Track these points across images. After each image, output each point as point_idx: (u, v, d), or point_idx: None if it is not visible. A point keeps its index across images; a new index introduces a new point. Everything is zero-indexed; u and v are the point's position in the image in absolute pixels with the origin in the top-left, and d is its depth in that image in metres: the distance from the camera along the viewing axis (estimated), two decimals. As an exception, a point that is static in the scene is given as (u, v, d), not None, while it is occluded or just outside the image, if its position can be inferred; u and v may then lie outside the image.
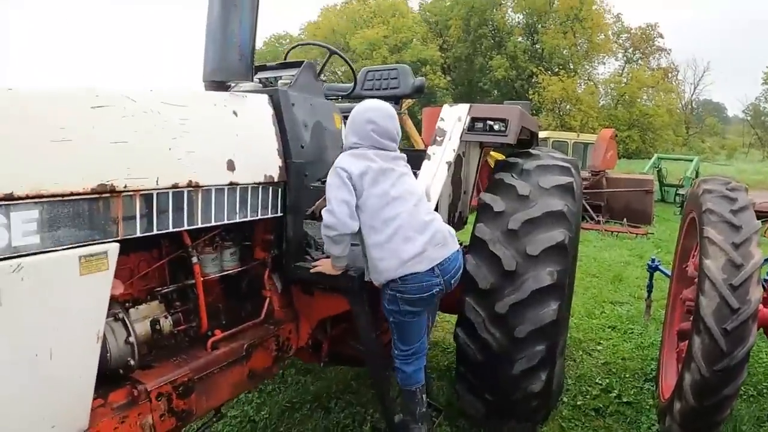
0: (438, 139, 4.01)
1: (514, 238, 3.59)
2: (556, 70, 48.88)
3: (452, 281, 3.15)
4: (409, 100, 14.66)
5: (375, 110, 3.11)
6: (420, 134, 7.73)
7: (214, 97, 2.88)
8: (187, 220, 2.59)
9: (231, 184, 2.81)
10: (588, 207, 14.12)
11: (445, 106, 4.22)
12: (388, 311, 3.13)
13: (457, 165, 4.36)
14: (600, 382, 5.07)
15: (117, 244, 2.22)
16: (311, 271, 3.15)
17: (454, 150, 3.94)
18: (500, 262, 3.53)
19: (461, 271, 3.25)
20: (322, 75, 4.02)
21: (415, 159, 3.93)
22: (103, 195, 2.17)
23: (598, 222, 13.79)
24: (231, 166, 2.80)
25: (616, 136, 18.37)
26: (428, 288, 3.03)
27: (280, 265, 3.30)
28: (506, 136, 4.00)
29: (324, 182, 3.08)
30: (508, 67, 50.08)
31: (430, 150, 3.96)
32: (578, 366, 5.44)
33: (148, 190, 2.35)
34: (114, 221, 2.22)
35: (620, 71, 55.67)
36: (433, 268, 3.02)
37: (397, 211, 2.97)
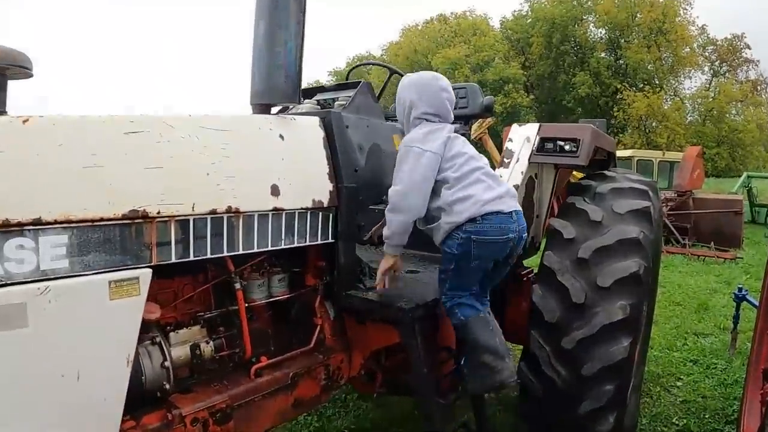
0: (506, 161, 3.83)
1: (584, 268, 3.38)
2: (641, 85, 47.65)
3: (524, 235, 3.01)
4: (490, 119, 14.61)
5: (443, 79, 3.09)
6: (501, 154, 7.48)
7: (258, 120, 2.80)
8: (227, 247, 2.54)
9: (275, 209, 2.72)
10: (673, 229, 13.54)
11: (514, 126, 4.04)
12: (454, 256, 2.92)
13: (529, 187, 4.17)
14: (677, 422, 4.74)
15: (149, 270, 2.20)
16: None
17: (522, 172, 3.76)
18: (568, 293, 3.32)
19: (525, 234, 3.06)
20: (386, 96, 3.88)
21: None
22: (135, 221, 2.16)
23: (684, 245, 13.16)
24: (275, 191, 2.71)
25: (704, 153, 17.62)
26: (505, 231, 2.89)
27: (332, 293, 3.20)
28: (577, 157, 3.77)
29: (381, 204, 3.04)
30: (591, 84, 49.19)
31: (498, 172, 3.77)
32: (655, 403, 5.10)
33: (183, 216, 2.32)
34: (147, 247, 2.21)
35: (707, 85, 53.82)
36: (511, 213, 2.92)
37: (474, 166, 2.93)
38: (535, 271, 3.70)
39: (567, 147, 3.79)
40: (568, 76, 51.37)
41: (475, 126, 14.80)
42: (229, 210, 2.50)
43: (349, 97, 3.54)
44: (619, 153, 17.71)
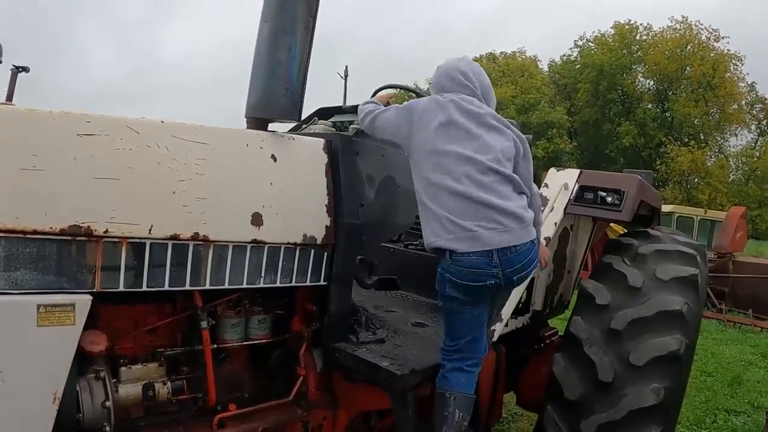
0: None
1: (617, 341, 3.00)
2: (686, 140, 46.96)
3: (514, 277, 2.51)
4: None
5: (465, 61, 2.78)
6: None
7: (248, 136, 2.46)
8: (190, 279, 2.26)
9: (255, 242, 2.41)
10: (710, 293, 12.89)
11: (552, 170, 3.66)
12: (437, 293, 2.61)
13: (562, 239, 3.84)
14: None
15: (89, 297, 1.97)
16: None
17: (556, 224, 3.40)
18: (595, 368, 2.95)
19: (531, 268, 2.56)
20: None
21: None
22: (77, 238, 1.94)
23: (721, 310, 12.52)
24: (257, 220, 2.39)
25: (747, 215, 17.02)
26: (479, 277, 2.44)
27: (321, 341, 2.87)
28: (620, 212, 3.37)
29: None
30: (636, 135, 48.58)
31: None
32: (681, 493, 4.56)
33: (138, 238, 2.08)
34: (89, 270, 1.98)
35: (752, 144, 52.75)
36: (490, 253, 2.41)
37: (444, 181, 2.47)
38: (561, 332, 3.40)
39: (609, 199, 3.40)
40: (613, 125, 50.82)
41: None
42: (195, 237, 2.21)
43: None
44: (659, 208, 17.20)
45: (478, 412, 3.09)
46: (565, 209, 3.41)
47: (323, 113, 3.66)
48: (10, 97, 5.56)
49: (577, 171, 3.54)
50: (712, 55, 48.06)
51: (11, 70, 5.65)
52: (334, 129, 3.32)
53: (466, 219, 2.40)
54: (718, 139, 51.24)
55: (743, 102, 50.82)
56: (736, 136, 51.78)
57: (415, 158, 2.56)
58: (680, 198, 41.12)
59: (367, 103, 2.80)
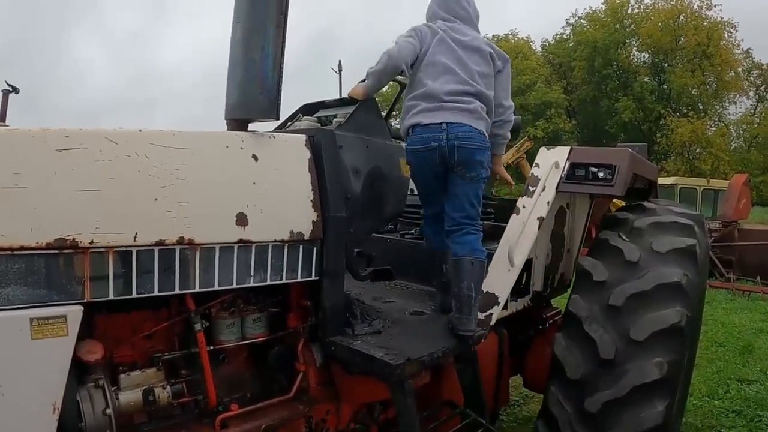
0: (530, 189, 3.41)
1: (616, 317, 2.96)
2: (685, 111, 46.66)
3: (455, 142, 2.97)
4: (528, 143, 14.19)
5: None
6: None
7: (227, 138, 2.43)
8: (179, 284, 2.25)
9: (241, 241, 2.39)
10: (717, 262, 12.84)
11: (542, 150, 3.63)
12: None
13: (559, 218, 3.81)
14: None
15: (80, 307, 1.97)
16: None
17: (548, 203, 3.34)
18: (596, 346, 2.92)
19: (474, 148, 3.01)
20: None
21: (508, 210, 3.50)
22: (64, 251, 1.94)
23: (729, 279, 12.44)
24: (242, 220, 2.37)
25: (750, 181, 16.91)
26: (428, 141, 2.99)
27: (318, 336, 2.85)
28: (612, 186, 3.32)
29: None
30: (634, 109, 48.24)
31: (521, 202, 3.38)
32: (694, 463, 4.54)
33: (123, 246, 2.07)
34: (78, 281, 1.99)
35: (752, 111, 52.42)
36: (442, 124, 2.98)
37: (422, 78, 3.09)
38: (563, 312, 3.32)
39: (601, 174, 3.35)
40: (611, 100, 50.52)
41: (512, 150, 14.42)
42: (181, 241, 2.21)
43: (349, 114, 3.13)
44: (662, 180, 17.09)
45: (482, 399, 3.10)
46: (557, 187, 3.37)
47: (308, 109, 3.63)
48: (2, 118, 5.55)
49: (567, 148, 3.49)
50: (705, 23, 47.75)
51: (2, 90, 5.64)
52: (319, 124, 3.30)
53: (433, 102, 3.00)
54: (717, 107, 50.96)
55: (740, 69, 50.43)
56: (735, 103, 51.51)
57: (416, 66, 3.10)
58: (683, 169, 40.86)
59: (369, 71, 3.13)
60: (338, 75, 35.62)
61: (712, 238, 13.30)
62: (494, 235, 3.72)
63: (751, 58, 51.21)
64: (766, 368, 6.93)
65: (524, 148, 13.55)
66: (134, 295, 2.12)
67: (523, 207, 3.33)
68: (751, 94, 52.62)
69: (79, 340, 2.00)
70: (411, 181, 3.25)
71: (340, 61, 36.13)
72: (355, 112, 3.06)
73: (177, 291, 2.25)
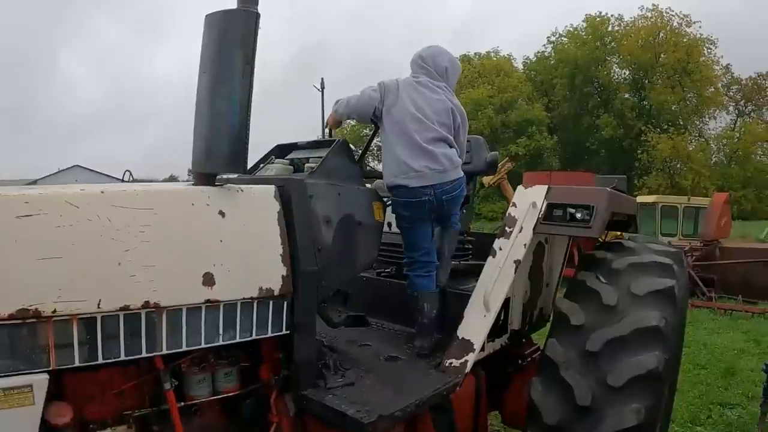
0: (507, 230, 3.35)
1: (594, 363, 2.91)
2: (665, 127, 47.12)
3: (443, 197, 3.34)
4: (509, 164, 14.17)
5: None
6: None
7: (193, 195, 2.37)
8: (146, 347, 2.20)
9: (209, 302, 2.33)
10: (699, 281, 12.87)
11: (519, 189, 3.58)
12: (394, 216, 3.49)
13: (537, 253, 3.76)
14: None
15: (45, 376, 1.95)
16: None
17: (525, 245, 3.29)
18: (572, 392, 2.85)
19: (458, 194, 3.43)
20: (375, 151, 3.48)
21: (487, 245, 3.47)
22: (27, 321, 1.91)
23: (711, 299, 12.49)
24: (209, 280, 2.31)
25: (730, 196, 17.03)
26: (420, 198, 3.29)
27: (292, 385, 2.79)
28: (590, 228, 3.26)
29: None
30: (615, 126, 48.69)
31: (497, 243, 3.33)
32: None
33: (87, 314, 2.02)
34: (43, 350, 1.96)
35: (732, 126, 52.99)
36: (429, 186, 3.29)
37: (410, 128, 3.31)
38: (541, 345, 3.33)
39: (579, 215, 3.31)
40: (592, 117, 51.04)
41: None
42: (146, 305, 2.15)
43: (321, 158, 3.07)
44: (642, 199, 17.19)
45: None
46: (534, 229, 3.32)
47: (280, 151, 3.56)
48: None
49: (545, 188, 3.43)
50: (685, 40, 48.35)
51: None
52: (292, 167, 3.24)
53: (416, 162, 3.25)
54: (698, 123, 51.65)
55: (719, 84, 51.06)
56: (715, 119, 52.14)
57: (384, 120, 3.36)
58: (664, 185, 41.20)
59: (337, 102, 3.54)
60: (320, 93, 35.67)
61: (694, 257, 13.35)
62: (472, 273, 3.66)
63: (730, 74, 52.07)
64: (749, 391, 6.88)
65: (505, 169, 13.49)
66: (100, 360, 2.08)
67: (500, 249, 3.28)
68: (731, 108, 53.43)
69: (48, 402, 1.97)
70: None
71: (322, 79, 36.22)
72: (326, 157, 3.00)
73: (144, 354, 2.20)
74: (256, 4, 2.34)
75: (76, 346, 2.01)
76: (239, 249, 2.43)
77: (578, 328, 3.02)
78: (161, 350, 2.24)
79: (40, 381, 1.92)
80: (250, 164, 3.26)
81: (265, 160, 3.48)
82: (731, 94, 53.24)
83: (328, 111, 3.57)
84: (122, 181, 3.72)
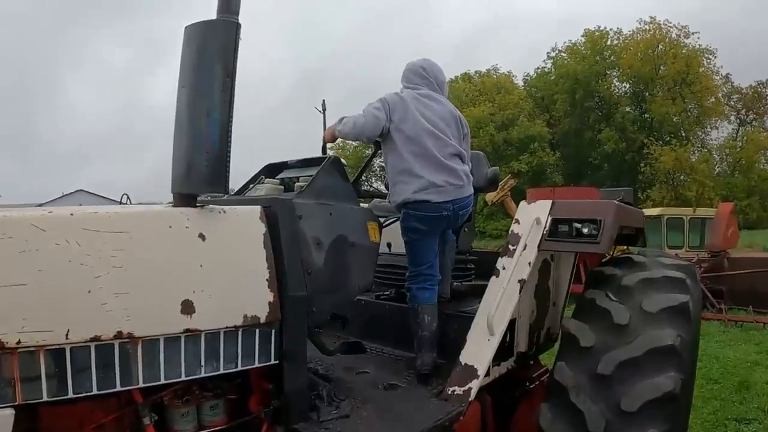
0: (510, 248, 3.20)
1: (606, 387, 2.74)
2: (668, 139, 46.97)
3: (460, 212, 3.42)
4: (512, 181, 14.05)
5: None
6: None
7: (171, 216, 2.22)
8: (120, 380, 2.07)
9: (188, 331, 2.18)
10: (708, 293, 12.64)
11: (522, 204, 3.45)
12: (403, 229, 3.45)
13: (543, 271, 3.61)
14: None
15: (11, 411, 1.84)
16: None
17: (530, 263, 3.14)
18: (583, 419, 2.68)
19: (469, 209, 3.53)
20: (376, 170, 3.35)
21: (490, 263, 3.33)
22: None
23: (720, 310, 12.26)
24: (188, 308, 2.16)
25: (736, 206, 16.87)
26: (439, 211, 3.32)
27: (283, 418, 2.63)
28: (598, 243, 3.11)
29: None
30: (617, 140, 48.60)
31: (500, 262, 3.18)
32: None
33: (55, 345, 1.91)
34: (8, 383, 1.86)
35: (734, 135, 52.83)
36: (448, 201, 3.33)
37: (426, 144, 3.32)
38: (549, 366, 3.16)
39: (585, 230, 3.15)
40: (594, 132, 50.92)
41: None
42: (119, 335, 2.03)
43: (311, 177, 2.92)
44: (648, 212, 17.00)
45: None
46: (539, 246, 3.17)
47: (270, 170, 3.43)
48: None
49: (549, 203, 3.29)
50: (684, 51, 48.35)
51: None
52: (282, 187, 3.10)
53: (437, 177, 3.27)
54: (700, 134, 51.43)
55: (720, 94, 51.00)
56: (717, 128, 51.94)
57: (394, 136, 3.32)
58: (668, 197, 41.03)
59: (341, 120, 3.42)
60: (322, 114, 35.65)
61: (702, 269, 13.16)
62: (474, 294, 3.51)
63: (730, 83, 51.93)
64: (764, 405, 6.66)
65: (508, 186, 13.36)
66: (71, 395, 1.95)
67: (503, 268, 3.13)
68: (732, 118, 53.25)
69: None
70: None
71: (324, 101, 36.18)
72: (317, 176, 2.86)
73: (118, 388, 2.06)
74: (237, 13, 2.20)
75: (43, 379, 1.89)
76: (221, 274, 2.28)
77: (588, 350, 2.85)
78: (137, 383, 2.10)
79: (5, 417, 1.81)
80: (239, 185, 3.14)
81: (254, 180, 3.34)
82: (732, 103, 53.13)
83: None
84: (120, 204, 3.59)
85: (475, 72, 57.28)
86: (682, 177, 45.59)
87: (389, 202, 3.55)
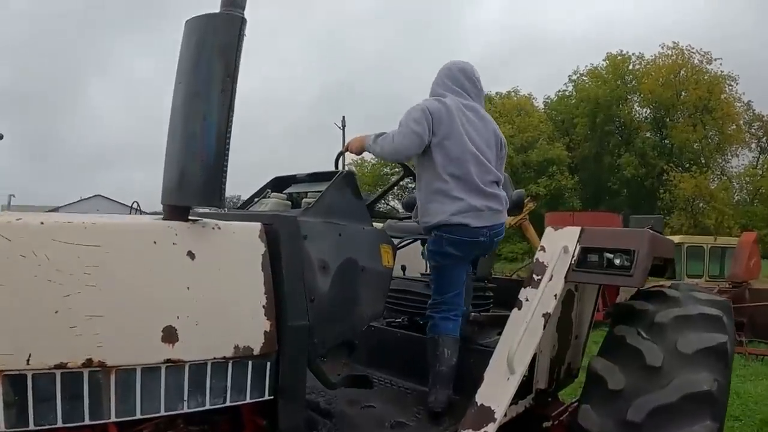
0: (535, 278, 2.94)
1: None
2: (687, 165, 46.51)
3: (495, 239, 3.25)
4: (531, 204, 13.81)
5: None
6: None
7: (156, 230, 1.99)
8: (89, 414, 1.84)
9: (170, 361, 1.94)
10: (733, 322, 12.29)
11: (548, 230, 3.20)
12: (432, 253, 3.25)
13: (566, 303, 3.33)
14: None
15: None
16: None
17: (556, 296, 2.88)
18: None
19: (502, 235, 3.33)
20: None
21: (509, 291, 3.18)
22: None
23: (741, 343, 11.88)
24: (170, 335, 1.93)
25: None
26: (476, 237, 3.13)
27: None
28: (631, 276, 2.85)
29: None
30: (637, 165, 48.07)
31: (523, 293, 2.93)
32: None
33: (14, 370, 1.72)
34: None
35: (755, 163, 52.21)
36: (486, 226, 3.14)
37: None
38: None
39: (617, 261, 2.90)
40: (613, 157, 50.53)
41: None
42: (89, 363, 1.81)
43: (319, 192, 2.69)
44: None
45: None
46: (566, 277, 2.92)
47: (277, 183, 3.19)
48: None
49: (578, 230, 3.04)
50: (706, 77, 47.89)
51: None
52: (290, 203, 2.87)
53: (477, 201, 3.07)
54: (720, 161, 50.83)
55: (741, 122, 50.50)
56: (738, 156, 51.32)
57: (434, 153, 3.08)
58: (686, 225, 40.54)
59: (378, 136, 3.15)
60: (342, 131, 35.60)
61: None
62: (493, 324, 3.26)
63: (752, 110, 51.29)
64: (788, 444, 6.43)
65: (527, 209, 13.11)
66: (32, 427, 1.75)
67: (526, 300, 2.88)
68: (753, 146, 52.54)
69: None
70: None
71: (343, 117, 36.18)
72: (326, 191, 2.61)
73: (87, 422, 1.84)
74: (243, 7, 1.97)
75: (1, 407, 1.70)
76: (211, 298, 2.04)
77: (617, 393, 2.61)
78: (109, 417, 1.88)
79: None
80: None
81: (260, 193, 3.11)
82: (753, 131, 52.60)
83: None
84: (131, 211, 3.40)
85: (496, 93, 57.17)
86: (701, 205, 45.10)
87: (417, 222, 3.35)
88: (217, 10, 1.97)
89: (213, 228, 2.09)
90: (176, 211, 2.06)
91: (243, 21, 1.97)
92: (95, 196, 48.76)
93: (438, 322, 3.16)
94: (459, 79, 3.25)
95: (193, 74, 1.96)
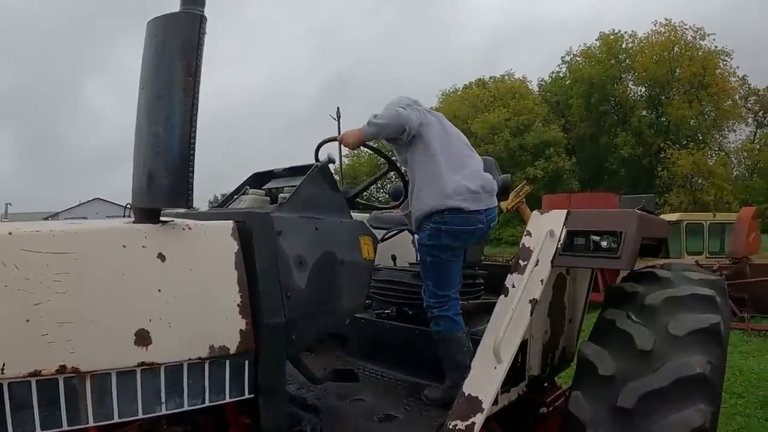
0: (521, 263, 2.89)
1: (627, 421, 2.47)
2: (685, 142, 46.42)
3: (491, 224, 3.27)
4: (528, 187, 13.77)
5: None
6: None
7: (125, 234, 1.99)
8: (67, 420, 1.87)
9: (144, 364, 1.96)
10: (729, 302, 12.24)
11: (534, 214, 3.15)
12: (428, 248, 3.14)
13: (558, 286, 3.32)
14: None
15: None
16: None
17: (542, 281, 2.83)
18: None
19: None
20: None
21: (500, 277, 3.04)
22: None
23: (743, 319, 11.88)
24: (143, 338, 1.95)
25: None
26: (473, 224, 3.12)
27: None
28: (618, 258, 2.79)
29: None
30: (634, 144, 47.99)
31: (510, 280, 2.88)
32: None
33: None
34: None
35: (752, 138, 52.12)
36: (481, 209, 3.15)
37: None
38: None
39: (604, 243, 2.85)
40: (610, 136, 50.38)
41: (511, 195, 13.99)
42: (62, 370, 1.83)
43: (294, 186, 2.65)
44: (667, 217, 16.60)
45: None
46: (552, 261, 2.87)
47: (256, 180, 3.16)
48: None
49: (564, 213, 2.99)
50: (700, 53, 47.80)
51: None
52: (269, 199, 2.84)
53: (472, 183, 3.10)
54: (717, 137, 50.77)
55: (737, 96, 50.37)
56: (735, 131, 51.26)
57: (426, 131, 3.14)
58: (686, 201, 40.53)
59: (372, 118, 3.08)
60: (337, 122, 35.51)
61: (723, 276, 12.77)
62: (484, 312, 3.23)
63: (747, 85, 51.20)
64: (792, 421, 6.35)
65: (524, 193, 13.09)
66: None
67: (512, 286, 2.84)
68: (750, 120, 52.47)
69: None
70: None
71: (338, 108, 36.05)
72: (301, 185, 2.59)
73: (65, 427, 1.87)
74: (203, 5, 1.94)
75: None
76: (184, 300, 2.04)
77: (608, 379, 2.58)
78: (87, 422, 1.90)
79: None
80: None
81: (239, 190, 3.08)
82: (749, 105, 52.47)
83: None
84: (124, 213, 3.38)
85: (490, 77, 56.97)
86: (700, 181, 45.06)
87: (405, 214, 3.36)
88: (177, 9, 1.95)
89: (183, 229, 2.08)
90: (146, 213, 2.06)
91: (203, 19, 1.96)
92: (94, 199, 48.77)
93: (454, 318, 3.13)
94: (406, 100, 3.26)
95: (155, 76, 1.95)
